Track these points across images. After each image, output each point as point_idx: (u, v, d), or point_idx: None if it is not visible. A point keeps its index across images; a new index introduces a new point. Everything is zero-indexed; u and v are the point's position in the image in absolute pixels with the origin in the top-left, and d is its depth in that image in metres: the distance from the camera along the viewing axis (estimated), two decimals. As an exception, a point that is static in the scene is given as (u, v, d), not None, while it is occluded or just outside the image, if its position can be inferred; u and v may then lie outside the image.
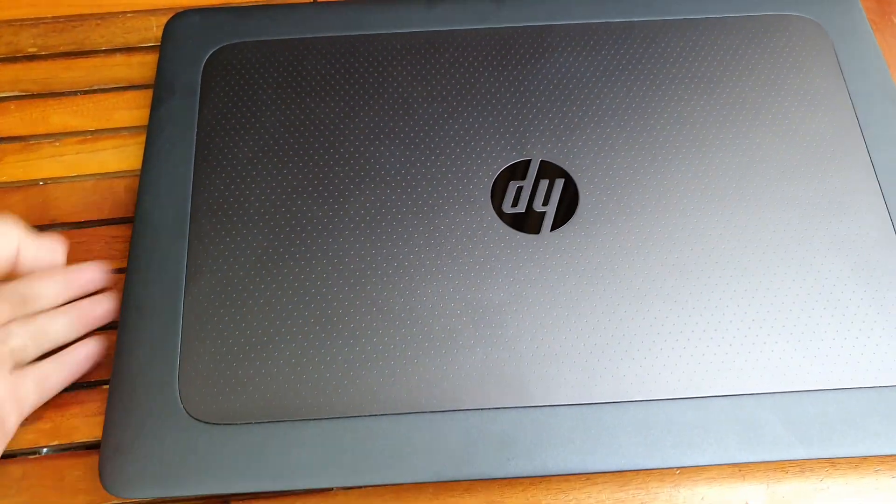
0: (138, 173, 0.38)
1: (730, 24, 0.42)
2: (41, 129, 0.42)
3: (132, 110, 0.42)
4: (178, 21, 0.42)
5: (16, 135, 0.42)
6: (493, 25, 0.42)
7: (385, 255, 0.35)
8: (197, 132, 0.38)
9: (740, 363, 0.33)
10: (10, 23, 0.45)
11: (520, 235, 0.36)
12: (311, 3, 0.43)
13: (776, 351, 0.33)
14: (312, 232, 0.36)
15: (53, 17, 0.46)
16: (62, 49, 0.45)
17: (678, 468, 0.33)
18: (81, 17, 0.46)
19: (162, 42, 0.42)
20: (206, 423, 0.32)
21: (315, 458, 0.31)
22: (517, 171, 0.38)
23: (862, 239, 0.36)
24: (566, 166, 0.38)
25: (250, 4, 0.44)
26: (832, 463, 0.33)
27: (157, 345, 0.33)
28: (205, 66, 0.40)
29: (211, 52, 0.41)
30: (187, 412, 0.32)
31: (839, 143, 0.38)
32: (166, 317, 0.34)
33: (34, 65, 0.44)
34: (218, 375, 0.33)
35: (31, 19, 0.46)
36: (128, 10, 0.45)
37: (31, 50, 0.45)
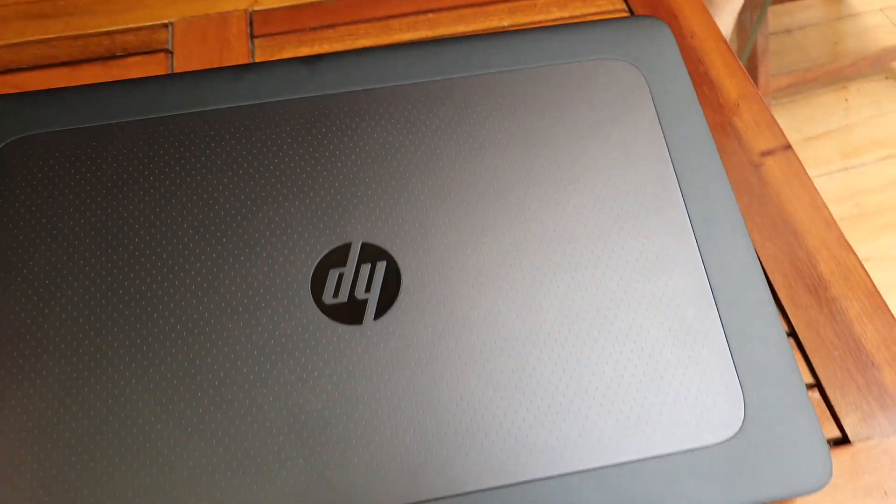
0: None
1: (547, 75, 0.42)
2: None
3: None
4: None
5: None
6: (305, 94, 0.40)
7: (198, 366, 0.34)
8: (-15, 246, 0.35)
9: (563, 441, 0.34)
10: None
11: (342, 328, 0.35)
12: (106, 83, 0.40)
13: (598, 424, 0.34)
14: (118, 350, 0.34)
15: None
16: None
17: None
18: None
19: (-62, 142, 0.38)
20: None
21: None
22: (338, 256, 0.37)
23: (679, 298, 0.37)
24: (387, 246, 0.37)
25: (37, 90, 0.41)
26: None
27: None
28: (-10, 166, 0.37)
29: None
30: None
31: (658, 199, 0.39)
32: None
33: None
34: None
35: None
36: None
37: None
